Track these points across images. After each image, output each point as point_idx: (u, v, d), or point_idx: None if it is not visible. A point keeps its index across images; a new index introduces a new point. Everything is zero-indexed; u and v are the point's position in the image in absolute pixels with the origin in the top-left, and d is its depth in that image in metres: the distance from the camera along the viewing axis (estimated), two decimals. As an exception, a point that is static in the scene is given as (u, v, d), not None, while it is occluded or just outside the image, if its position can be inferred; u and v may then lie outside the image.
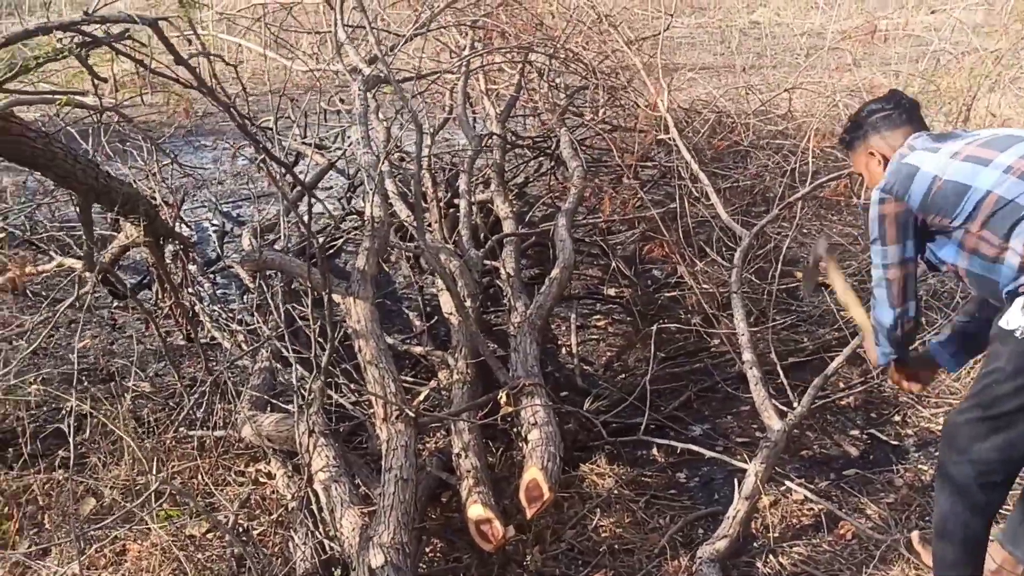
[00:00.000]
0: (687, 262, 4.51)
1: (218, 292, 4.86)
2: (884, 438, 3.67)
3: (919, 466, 3.49)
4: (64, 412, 3.54)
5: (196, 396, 3.63)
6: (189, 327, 4.21)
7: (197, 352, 4.03)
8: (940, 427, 3.68)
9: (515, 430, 3.39)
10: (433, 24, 5.43)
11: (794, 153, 5.35)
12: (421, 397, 3.34)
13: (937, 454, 3.48)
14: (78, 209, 3.53)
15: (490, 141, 5.73)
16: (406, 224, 4.72)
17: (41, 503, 3.17)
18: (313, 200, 3.12)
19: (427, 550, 3.01)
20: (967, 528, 2.39)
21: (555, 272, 4.19)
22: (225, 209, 6.38)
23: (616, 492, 3.32)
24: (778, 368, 3.75)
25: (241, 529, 3.03)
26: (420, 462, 3.09)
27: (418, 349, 4.09)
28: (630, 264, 5.02)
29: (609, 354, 4.44)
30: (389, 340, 3.67)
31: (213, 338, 4.18)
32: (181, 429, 3.52)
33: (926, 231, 2.46)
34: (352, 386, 3.51)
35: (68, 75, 5.44)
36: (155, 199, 4.63)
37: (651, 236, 5.10)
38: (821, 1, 11.41)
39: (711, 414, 3.91)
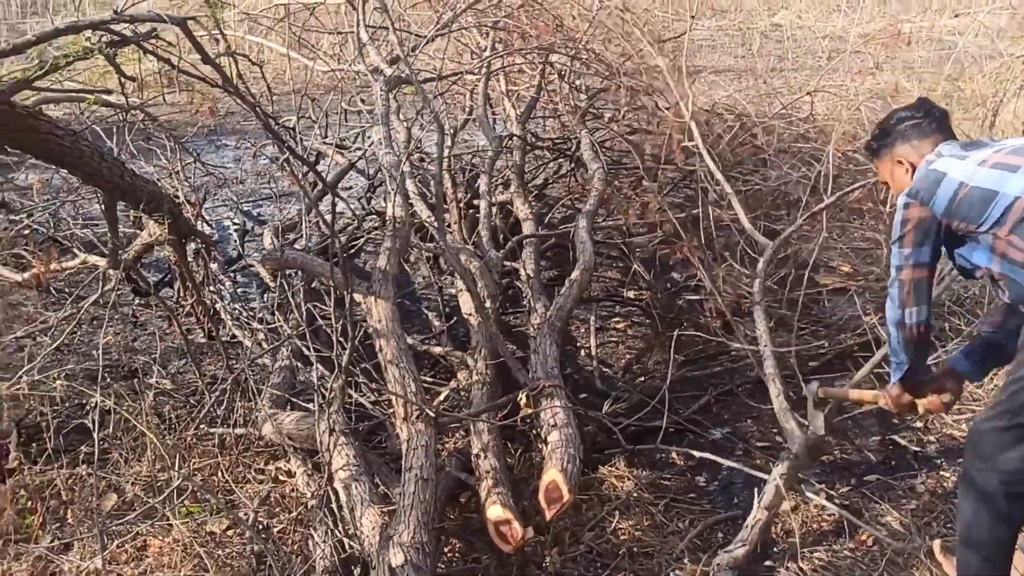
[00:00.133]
0: (707, 266, 4.49)
1: (238, 291, 4.89)
2: (906, 444, 3.65)
3: (941, 473, 3.46)
4: (87, 408, 3.58)
5: (217, 394, 3.66)
6: (210, 325, 4.24)
7: (218, 350, 4.06)
8: (962, 434, 3.66)
9: (534, 432, 3.39)
10: (454, 25, 5.45)
11: (816, 158, 5.31)
12: (441, 397, 3.34)
13: (960, 461, 3.47)
14: (103, 207, 3.56)
15: (510, 142, 5.74)
16: (426, 224, 4.74)
17: (64, 498, 3.20)
18: (336, 199, 3.12)
19: (446, 550, 3.02)
20: (992, 536, 2.37)
21: (575, 274, 4.18)
22: (246, 208, 6.42)
23: (635, 495, 3.31)
24: (797, 373, 3.72)
25: (261, 527, 3.05)
26: (439, 462, 3.09)
27: (437, 349, 4.10)
28: (650, 267, 5.01)
29: (628, 357, 4.43)
30: (409, 340, 3.68)
31: (234, 336, 4.21)
32: (202, 426, 3.54)
33: (953, 237, 2.44)
34: (372, 385, 3.52)
35: (90, 74, 5.50)
36: (178, 198, 4.66)
37: (671, 239, 5.09)
38: (843, 4, 11.35)
39: (731, 418, 3.89)
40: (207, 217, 5.84)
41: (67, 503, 3.18)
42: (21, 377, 3.55)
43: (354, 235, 5.49)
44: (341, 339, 3.14)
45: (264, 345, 4.00)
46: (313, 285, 4.44)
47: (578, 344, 4.50)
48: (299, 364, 3.83)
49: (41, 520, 3.07)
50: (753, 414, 3.89)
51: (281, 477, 3.37)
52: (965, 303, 4.58)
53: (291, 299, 4.17)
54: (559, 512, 2.85)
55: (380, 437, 3.59)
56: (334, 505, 2.92)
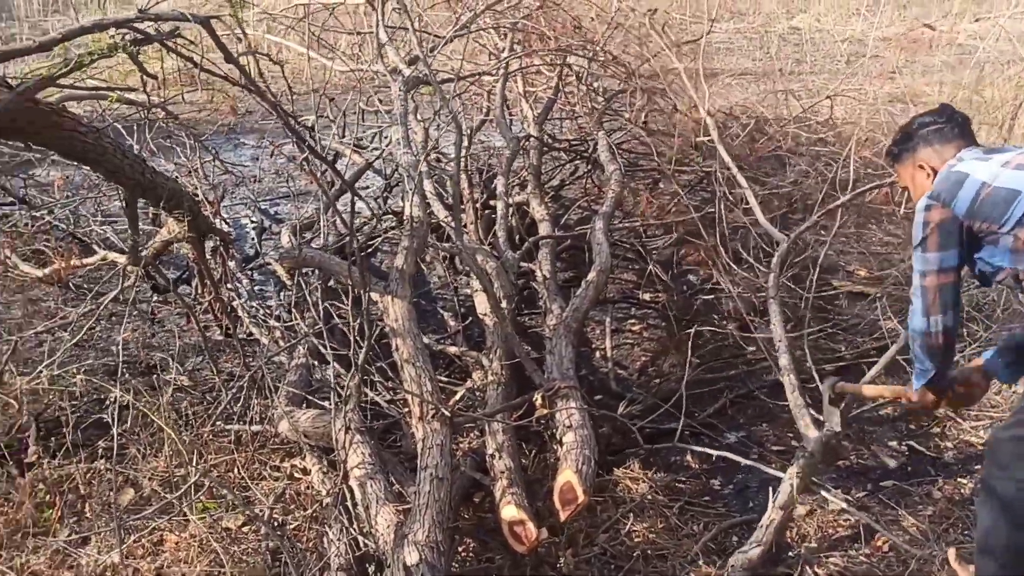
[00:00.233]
0: (724, 267, 4.49)
1: (256, 288, 4.91)
2: (923, 450, 3.63)
3: (958, 479, 3.44)
4: (105, 403, 3.61)
5: (233, 390, 3.68)
6: (227, 322, 4.26)
7: (235, 347, 4.08)
8: (980, 440, 3.64)
9: (549, 432, 3.39)
10: (473, 26, 5.46)
11: (834, 160, 5.30)
12: (457, 397, 3.35)
13: (978, 468, 3.46)
14: (124, 204, 3.59)
15: (527, 143, 5.74)
16: (443, 224, 4.75)
17: (82, 492, 3.22)
18: (354, 198, 3.14)
19: (460, 550, 3.02)
20: (1009, 544, 2.36)
21: (591, 275, 4.18)
22: (263, 206, 6.45)
23: (650, 497, 3.30)
24: (814, 374, 3.71)
25: (276, 523, 3.06)
26: (454, 462, 3.09)
27: (453, 349, 4.10)
28: (666, 269, 5.00)
29: (643, 359, 4.43)
30: (424, 340, 3.69)
31: (251, 334, 4.22)
32: (218, 423, 3.56)
33: (974, 240, 2.42)
34: (388, 384, 3.53)
35: (111, 72, 5.55)
36: (197, 195, 4.69)
37: (688, 241, 5.09)
38: (863, 7, 11.29)
39: (746, 422, 3.88)
40: (225, 215, 5.88)
41: (85, 497, 3.21)
42: (41, 372, 3.59)
43: (371, 234, 5.51)
44: (358, 338, 3.16)
45: (281, 343, 4.02)
46: (330, 284, 4.46)
47: (593, 346, 4.50)
48: (315, 362, 3.84)
49: (59, 514, 3.10)
50: (768, 418, 3.88)
51: (296, 474, 3.39)
52: (983, 308, 4.56)
53: (308, 297, 4.18)
54: (573, 513, 2.85)
55: (395, 436, 3.60)
56: (349, 503, 2.93)
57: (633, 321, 4.81)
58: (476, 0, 5.58)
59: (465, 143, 5.34)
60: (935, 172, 2.51)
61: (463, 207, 5.15)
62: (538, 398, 3.31)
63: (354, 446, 3.01)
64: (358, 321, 3.29)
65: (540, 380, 3.45)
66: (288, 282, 4.61)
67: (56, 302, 4.74)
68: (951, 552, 2.88)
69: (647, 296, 4.88)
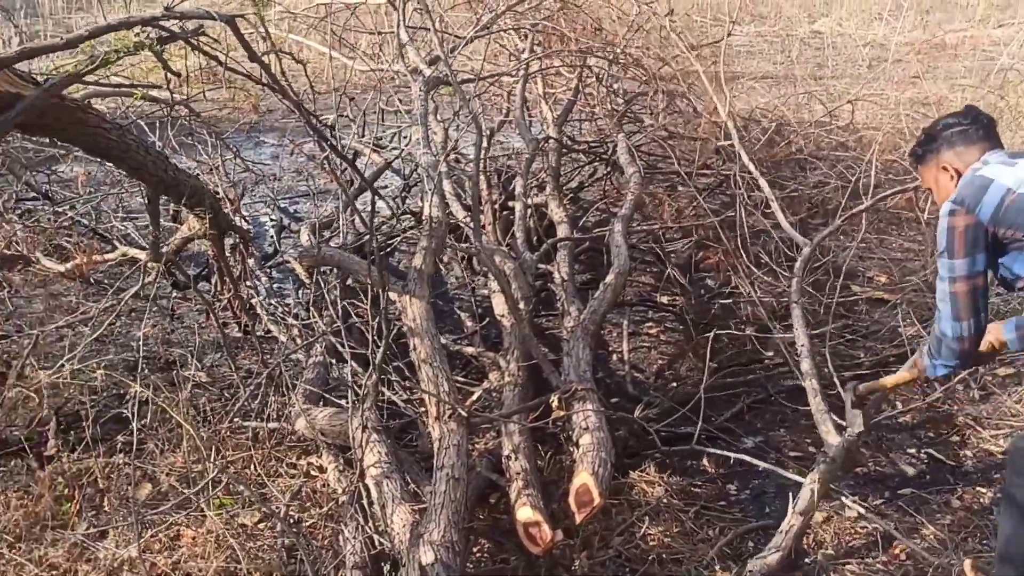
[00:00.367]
0: (743, 271, 4.47)
1: (274, 286, 4.94)
2: (942, 458, 3.60)
3: (978, 488, 3.41)
4: (125, 398, 3.63)
5: (251, 388, 3.70)
6: (246, 320, 4.28)
7: (253, 344, 4.10)
8: (1000, 449, 3.61)
9: (565, 434, 3.39)
10: (493, 27, 5.46)
11: (856, 165, 5.26)
12: (474, 397, 3.35)
13: (997, 477, 3.43)
14: (146, 200, 3.62)
15: (546, 145, 5.74)
16: (461, 225, 4.75)
17: (100, 486, 3.25)
18: (375, 197, 3.15)
19: (475, 550, 3.02)
20: (1031, 553, 2.34)
21: (610, 277, 4.18)
22: (283, 204, 6.48)
23: (665, 501, 3.29)
24: (835, 380, 3.67)
25: (292, 520, 3.07)
26: (470, 462, 3.10)
27: (470, 350, 4.11)
28: (684, 272, 4.98)
29: (660, 362, 4.42)
30: (442, 340, 3.69)
31: (269, 331, 4.25)
32: (236, 419, 3.58)
33: (998, 245, 2.40)
34: (405, 384, 3.54)
35: (134, 69, 5.59)
36: (217, 193, 4.72)
37: (707, 244, 5.06)
38: (885, 12, 11.22)
39: (764, 427, 3.86)
40: (244, 213, 5.91)
41: (103, 491, 3.23)
42: (62, 366, 3.61)
43: (390, 234, 5.52)
44: (375, 337, 3.17)
45: (298, 341, 4.04)
46: (348, 282, 4.47)
47: (610, 348, 4.49)
48: (333, 360, 3.86)
49: (78, 507, 3.13)
50: (786, 423, 3.86)
51: (313, 472, 3.40)
52: (1005, 316, 4.51)
53: (326, 296, 4.21)
54: (589, 516, 2.84)
55: (411, 435, 3.61)
56: (365, 501, 2.94)
57: (650, 324, 4.80)
58: (497, 1, 5.59)
59: (484, 144, 5.34)
60: (959, 174, 2.48)
61: (482, 208, 5.16)
62: (555, 400, 3.31)
63: (370, 445, 3.02)
64: (376, 320, 3.30)
65: (557, 382, 3.45)
66: (307, 280, 4.64)
67: (77, 297, 4.78)
68: (967, 563, 2.85)
69: (665, 299, 4.87)
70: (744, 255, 4.55)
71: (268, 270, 5.11)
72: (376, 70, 6.44)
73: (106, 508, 3.16)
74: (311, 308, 4.20)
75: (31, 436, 3.46)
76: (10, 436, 3.49)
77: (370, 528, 2.85)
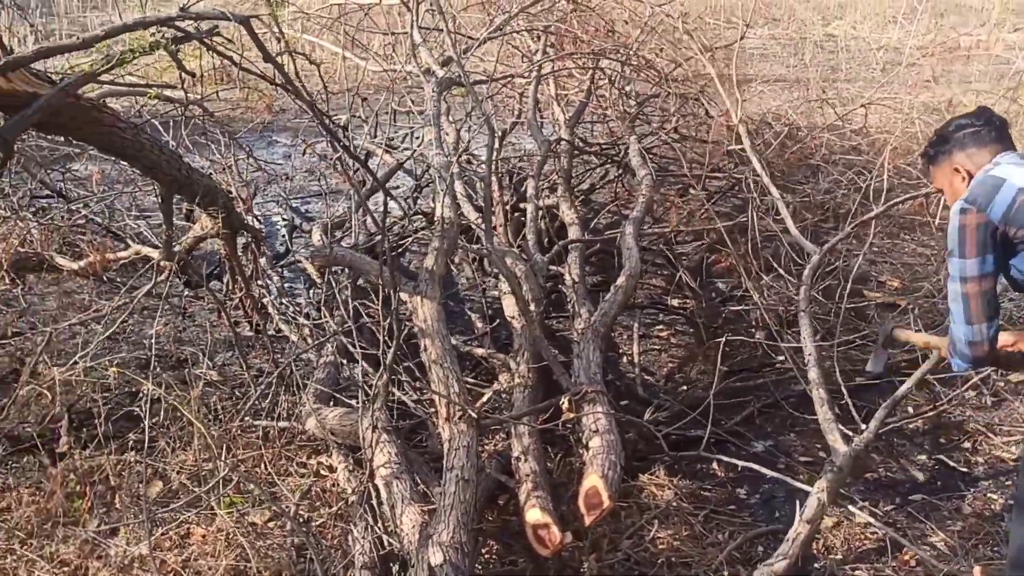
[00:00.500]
0: (753, 276, 4.46)
1: (286, 286, 4.95)
2: (953, 464, 3.58)
3: (988, 495, 3.39)
4: (136, 396, 3.65)
5: (262, 387, 3.71)
6: (257, 319, 4.30)
7: (264, 344, 4.12)
8: (1012, 456, 3.59)
9: (575, 436, 3.39)
10: (506, 28, 5.47)
11: (868, 170, 5.24)
12: (484, 399, 3.35)
13: (1008, 483, 3.41)
14: (160, 199, 3.64)
15: (558, 146, 5.74)
16: (473, 226, 4.75)
17: (112, 483, 3.26)
18: (387, 197, 3.15)
19: (484, 552, 3.03)
20: (1042, 561, 2.32)
21: (621, 280, 4.17)
22: (295, 204, 6.50)
23: (675, 504, 3.29)
24: (843, 389, 3.66)
25: (302, 520, 3.08)
26: (480, 463, 3.10)
27: (480, 351, 4.11)
28: (695, 276, 4.98)
29: (671, 365, 4.41)
30: (452, 341, 3.70)
31: (280, 330, 4.26)
32: (247, 418, 3.59)
33: (1008, 246, 2.38)
34: (415, 384, 3.55)
35: (147, 69, 5.61)
36: (230, 192, 4.74)
37: (718, 248, 5.06)
38: (899, 15, 11.17)
39: (774, 431, 3.85)
40: (257, 212, 5.93)
41: (115, 488, 3.25)
42: (75, 363, 3.63)
43: (401, 234, 5.53)
44: (386, 337, 3.17)
45: (309, 340, 4.05)
46: (359, 283, 4.48)
47: (621, 351, 4.49)
48: (344, 360, 3.87)
49: (89, 504, 3.14)
50: (796, 428, 3.85)
51: (323, 472, 3.41)
52: (1016, 322, 4.49)
53: (337, 296, 4.21)
54: (598, 518, 2.84)
55: (421, 436, 3.61)
56: (374, 502, 2.94)
57: (661, 327, 4.79)
58: (510, 2, 5.59)
59: (496, 145, 5.34)
60: (971, 176, 2.46)
61: (493, 209, 5.16)
62: (565, 402, 3.31)
63: (380, 445, 3.02)
64: (387, 321, 3.30)
65: (567, 384, 3.45)
66: (318, 280, 4.65)
67: (90, 295, 4.81)
68: (977, 569, 2.84)
69: (675, 302, 4.86)
70: (755, 259, 4.54)
71: (280, 269, 5.13)
72: (389, 71, 6.45)
73: (117, 505, 3.18)
74: (322, 308, 4.21)
75: (43, 433, 3.48)
76: (23, 433, 3.52)
77: (379, 528, 2.86)
